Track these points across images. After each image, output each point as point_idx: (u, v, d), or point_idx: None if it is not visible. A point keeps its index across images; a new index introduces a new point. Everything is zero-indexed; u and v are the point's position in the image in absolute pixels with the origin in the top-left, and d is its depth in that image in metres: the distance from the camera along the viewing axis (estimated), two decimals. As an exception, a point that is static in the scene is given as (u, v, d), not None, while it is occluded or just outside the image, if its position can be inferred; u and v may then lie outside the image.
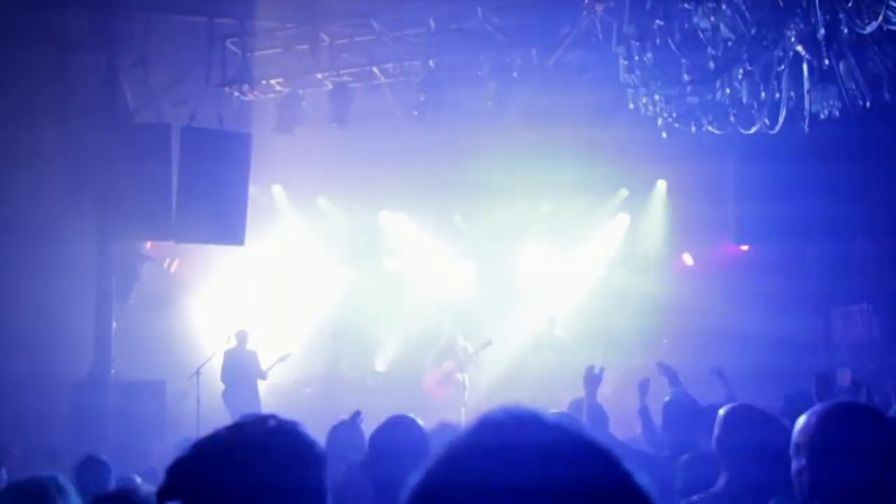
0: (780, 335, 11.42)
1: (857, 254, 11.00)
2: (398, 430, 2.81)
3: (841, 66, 5.46)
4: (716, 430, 3.00)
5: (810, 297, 11.16)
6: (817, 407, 2.29)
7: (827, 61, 4.82)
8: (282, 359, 10.54)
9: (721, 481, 2.91)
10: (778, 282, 12.08)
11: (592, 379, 4.96)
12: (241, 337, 10.67)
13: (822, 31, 4.55)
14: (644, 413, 5.22)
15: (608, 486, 0.84)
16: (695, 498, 2.90)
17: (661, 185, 12.98)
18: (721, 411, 3.05)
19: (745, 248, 11.64)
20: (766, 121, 6.02)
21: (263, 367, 10.47)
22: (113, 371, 9.38)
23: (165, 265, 11.19)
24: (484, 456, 0.83)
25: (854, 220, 10.66)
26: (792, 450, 2.25)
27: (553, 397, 11.21)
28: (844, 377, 10.14)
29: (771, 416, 3.19)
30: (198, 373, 10.15)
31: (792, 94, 5.67)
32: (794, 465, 2.22)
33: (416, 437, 2.75)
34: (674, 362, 10.72)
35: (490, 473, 0.81)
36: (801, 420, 2.25)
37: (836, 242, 10.80)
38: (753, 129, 6.09)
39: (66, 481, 2.83)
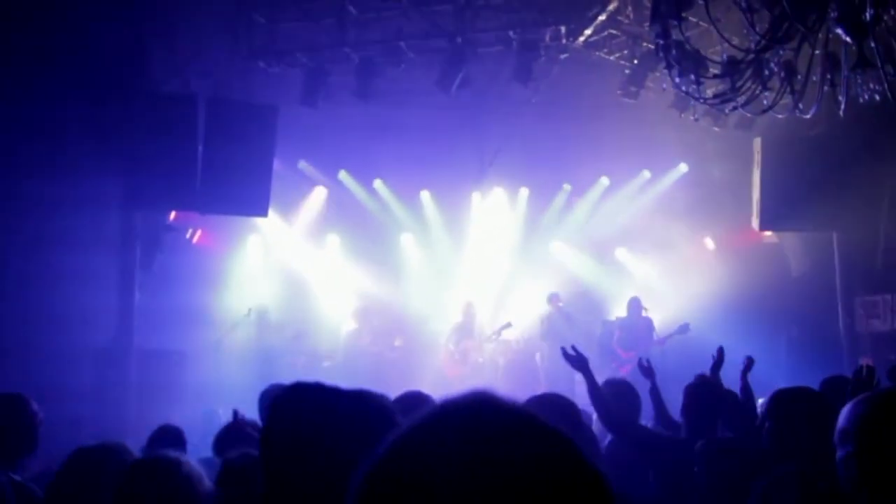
0: (800, 324, 11.36)
1: (881, 243, 10.88)
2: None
3: (880, 49, 5.35)
4: (772, 416, 2.97)
5: (833, 287, 11.07)
6: (866, 394, 2.26)
7: (872, 44, 4.71)
8: (294, 338, 10.63)
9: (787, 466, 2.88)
10: (800, 270, 12.00)
11: (575, 361, 4.47)
12: (263, 311, 10.78)
13: (870, 11, 4.44)
14: (654, 393, 5.05)
15: (567, 479, 0.82)
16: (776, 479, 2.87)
17: (683, 167, 12.89)
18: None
19: (768, 234, 11.53)
20: (801, 105, 5.93)
21: (279, 344, 10.60)
22: (135, 340, 9.46)
23: (188, 235, 11.23)
24: (437, 444, 0.82)
25: (879, 210, 10.53)
26: (837, 437, 2.22)
27: (570, 376, 11.25)
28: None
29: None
30: (218, 341, 10.25)
31: (828, 77, 5.57)
32: (840, 452, 2.19)
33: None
34: (692, 347, 10.75)
35: (441, 463, 0.80)
36: (849, 407, 2.22)
37: (862, 230, 10.69)
38: (787, 114, 6.01)
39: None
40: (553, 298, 11.82)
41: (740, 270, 11.92)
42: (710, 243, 13.02)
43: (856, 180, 10.13)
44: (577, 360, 4.43)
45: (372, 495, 0.83)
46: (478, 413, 0.85)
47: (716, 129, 10.32)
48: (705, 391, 3.98)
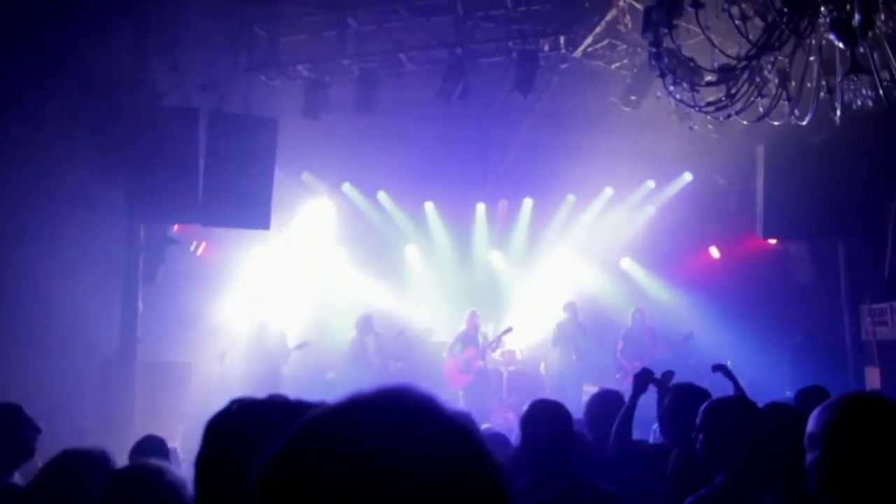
0: (806, 332, 11.28)
1: (889, 250, 10.78)
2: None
3: (876, 56, 5.33)
4: (707, 425, 3.01)
5: (840, 294, 10.98)
6: (833, 398, 2.25)
7: (861, 50, 4.69)
8: (299, 347, 10.62)
9: (720, 476, 2.91)
10: (806, 277, 11.91)
11: (639, 382, 4.37)
12: (263, 326, 10.77)
13: (858, 17, 4.43)
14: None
15: (465, 479, 0.83)
16: (707, 492, 2.89)
17: (687, 176, 12.86)
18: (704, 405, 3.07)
19: (772, 242, 11.46)
20: (796, 112, 5.90)
21: (280, 355, 10.57)
22: (139, 352, 9.50)
23: (192, 248, 11.29)
24: (340, 434, 0.84)
25: (886, 215, 10.45)
26: (806, 442, 2.21)
27: (576, 384, 11.23)
28: (873, 376, 10.01)
29: (753, 404, 3.20)
30: (222, 355, 10.27)
31: (823, 83, 5.55)
32: (809, 457, 2.18)
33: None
34: (697, 356, 10.68)
35: (342, 453, 0.82)
36: (817, 411, 2.21)
37: (868, 238, 10.60)
38: (782, 121, 5.98)
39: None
40: (569, 307, 11.84)
41: (745, 278, 11.88)
42: (715, 252, 12.97)
43: (861, 187, 10.05)
44: (643, 381, 4.40)
45: (269, 481, 0.84)
46: (384, 406, 0.87)
47: (715, 136, 10.29)
48: (694, 396, 3.95)
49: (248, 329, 10.78)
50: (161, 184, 8.94)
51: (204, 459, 1.54)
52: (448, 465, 0.83)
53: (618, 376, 11.46)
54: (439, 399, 0.90)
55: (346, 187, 12.97)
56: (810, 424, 2.21)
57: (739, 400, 3.24)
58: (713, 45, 4.91)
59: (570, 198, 13.39)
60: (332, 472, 0.81)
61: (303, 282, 12.49)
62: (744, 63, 5.11)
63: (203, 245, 11.41)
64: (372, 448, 0.82)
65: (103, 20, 8.86)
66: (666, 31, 4.95)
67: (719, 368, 4.94)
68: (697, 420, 3.09)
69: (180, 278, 10.33)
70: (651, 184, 13.16)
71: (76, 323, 8.67)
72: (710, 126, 9.63)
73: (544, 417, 3.22)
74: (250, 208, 9.57)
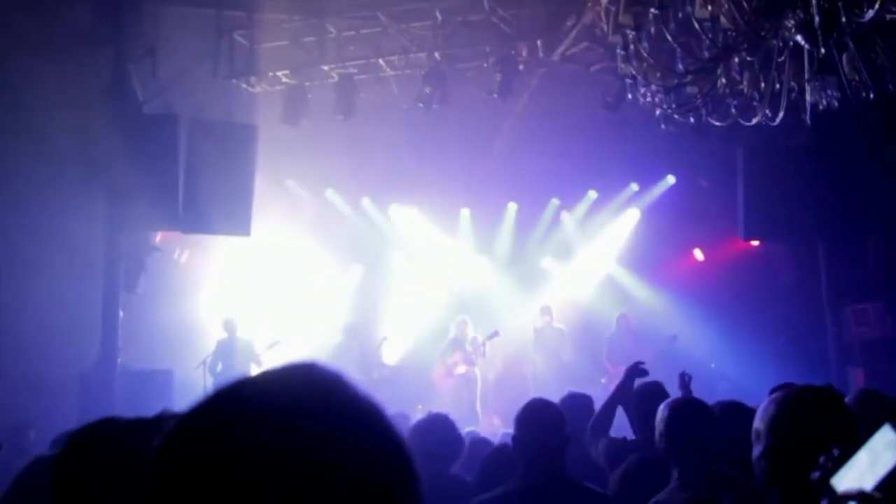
0: (788, 333, 11.32)
1: (870, 250, 10.84)
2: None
3: (843, 56, 5.37)
4: (660, 426, 3.06)
5: (821, 295, 11.02)
6: (779, 393, 2.27)
7: (824, 50, 4.73)
8: (271, 346, 10.54)
9: (674, 478, 2.95)
10: (789, 279, 11.96)
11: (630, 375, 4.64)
12: (230, 325, 10.69)
13: (817, 19, 4.47)
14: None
15: (373, 456, 0.84)
16: (660, 496, 2.92)
17: (671, 179, 12.91)
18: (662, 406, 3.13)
19: (755, 243, 11.51)
20: (768, 112, 5.93)
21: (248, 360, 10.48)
22: (120, 360, 9.46)
23: (175, 256, 11.26)
24: (244, 408, 0.84)
25: (867, 216, 10.50)
26: (752, 436, 2.23)
27: (560, 389, 11.21)
28: (856, 377, 10.04)
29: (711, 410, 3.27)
30: (204, 363, 10.24)
31: (793, 84, 5.58)
32: (755, 451, 2.20)
33: None
34: (683, 360, 10.70)
35: (246, 427, 0.81)
36: (762, 406, 2.23)
37: (849, 239, 10.65)
38: (755, 121, 6.01)
39: None
40: (545, 311, 11.87)
41: (729, 280, 11.92)
42: (699, 254, 13.01)
43: (841, 188, 10.11)
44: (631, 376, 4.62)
45: (169, 454, 0.84)
46: (291, 380, 0.87)
47: (700, 138, 10.32)
48: (658, 397, 3.98)
49: (227, 336, 10.69)
50: (141, 191, 8.90)
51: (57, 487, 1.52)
52: (354, 441, 0.83)
53: (602, 381, 11.47)
54: (346, 377, 0.90)
55: (330, 194, 12.96)
56: (755, 420, 2.23)
57: (691, 400, 3.28)
58: (678, 47, 4.94)
59: (554, 201, 13.42)
60: (233, 446, 0.80)
61: (286, 288, 12.46)
62: (710, 64, 5.15)
63: (186, 253, 11.38)
64: (276, 424, 0.81)
65: (82, 27, 8.86)
66: (633, 33, 4.98)
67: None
68: (656, 420, 3.14)
69: (162, 286, 10.29)
70: (634, 187, 13.20)
71: (56, 331, 8.64)
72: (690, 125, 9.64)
73: (538, 417, 3.28)
74: (231, 215, 9.56)
